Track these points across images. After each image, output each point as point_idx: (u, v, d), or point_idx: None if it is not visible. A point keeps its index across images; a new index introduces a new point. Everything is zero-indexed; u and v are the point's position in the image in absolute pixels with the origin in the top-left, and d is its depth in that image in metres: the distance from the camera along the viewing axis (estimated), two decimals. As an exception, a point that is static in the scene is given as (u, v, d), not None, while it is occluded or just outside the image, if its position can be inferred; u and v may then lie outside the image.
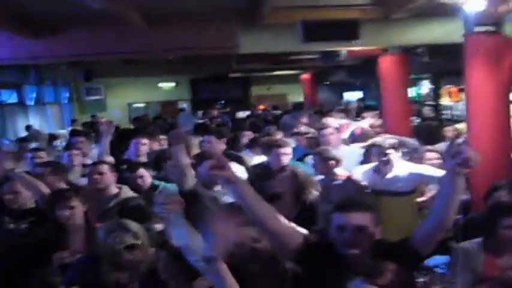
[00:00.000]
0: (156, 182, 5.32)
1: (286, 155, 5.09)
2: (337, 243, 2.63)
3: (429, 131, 6.96)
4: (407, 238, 2.72)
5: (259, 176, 4.79)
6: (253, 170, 5.67)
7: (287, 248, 2.66)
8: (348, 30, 7.20)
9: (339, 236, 2.62)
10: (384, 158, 4.83)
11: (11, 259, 3.73)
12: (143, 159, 6.36)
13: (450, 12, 6.32)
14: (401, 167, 4.90)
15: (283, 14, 7.38)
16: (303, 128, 7.49)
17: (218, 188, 4.42)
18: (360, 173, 5.07)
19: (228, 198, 4.29)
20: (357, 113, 11.26)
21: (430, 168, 4.91)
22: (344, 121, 8.17)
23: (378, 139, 5.30)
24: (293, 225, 3.01)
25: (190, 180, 4.18)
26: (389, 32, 7.73)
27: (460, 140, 4.34)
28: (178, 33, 7.91)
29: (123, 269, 3.08)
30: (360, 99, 18.50)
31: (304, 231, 3.70)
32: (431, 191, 5.01)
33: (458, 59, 6.11)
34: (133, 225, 3.17)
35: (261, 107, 18.33)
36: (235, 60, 12.90)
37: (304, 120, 9.00)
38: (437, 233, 2.67)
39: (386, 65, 9.50)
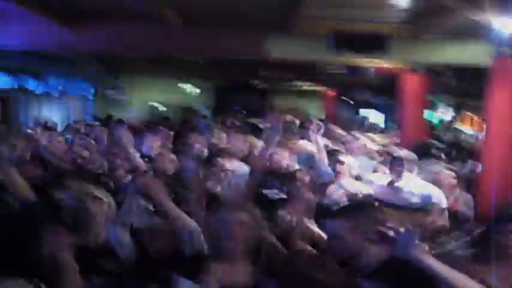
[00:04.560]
0: None
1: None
2: None
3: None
4: None
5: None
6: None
7: None
8: (376, 44, 7.26)
9: None
10: (396, 168, 4.72)
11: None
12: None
13: (480, 34, 6.31)
14: (413, 182, 4.70)
15: (315, 23, 7.46)
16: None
17: None
18: (373, 180, 4.93)
19: None
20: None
21: (438, 192, 4.66)
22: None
23: (392, 149, 5.21)
24: None
25: None
26: (417, 50, 7.76)
27: None
28: (210, 34, 8.01)
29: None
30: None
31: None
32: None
33: (482, 84, 6.06)
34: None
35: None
36: (261, 67, 12.90)
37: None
38: None
39: (410, 83, 9.48)
